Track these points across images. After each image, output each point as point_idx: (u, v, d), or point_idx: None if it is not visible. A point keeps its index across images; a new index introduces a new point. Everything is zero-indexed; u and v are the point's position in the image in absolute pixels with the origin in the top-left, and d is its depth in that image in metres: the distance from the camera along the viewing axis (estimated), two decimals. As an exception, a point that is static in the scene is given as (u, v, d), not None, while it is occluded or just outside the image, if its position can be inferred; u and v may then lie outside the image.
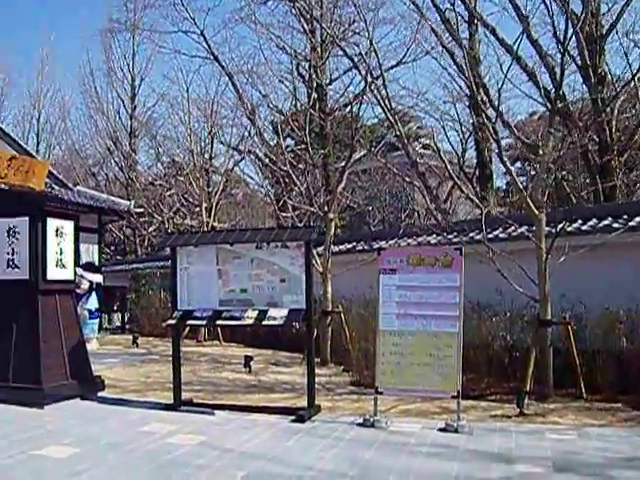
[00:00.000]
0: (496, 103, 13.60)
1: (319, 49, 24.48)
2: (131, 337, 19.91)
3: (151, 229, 35.04)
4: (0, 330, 10.26)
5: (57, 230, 10.34)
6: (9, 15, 66.82)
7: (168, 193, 29.54)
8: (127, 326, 24.30)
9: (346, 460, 7.06)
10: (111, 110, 40.29)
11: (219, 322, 9.80)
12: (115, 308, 25.00)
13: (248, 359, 13.53)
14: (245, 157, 27.06)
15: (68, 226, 10.63)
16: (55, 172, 23.02)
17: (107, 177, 41.44)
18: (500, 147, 13.05)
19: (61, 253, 10.39)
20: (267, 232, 9.76)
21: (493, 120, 13.23)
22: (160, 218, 28.34)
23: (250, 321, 9.33)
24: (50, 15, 70.17)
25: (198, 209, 25.71)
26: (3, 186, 14.23)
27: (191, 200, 27.07)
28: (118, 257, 38.77)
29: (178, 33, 28.91)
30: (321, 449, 7.56)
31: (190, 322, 10.03)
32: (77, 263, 11.12)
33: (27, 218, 10.13)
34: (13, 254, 10.20)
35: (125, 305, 25.04)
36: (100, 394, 10.77)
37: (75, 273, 11.09)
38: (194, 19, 27.79)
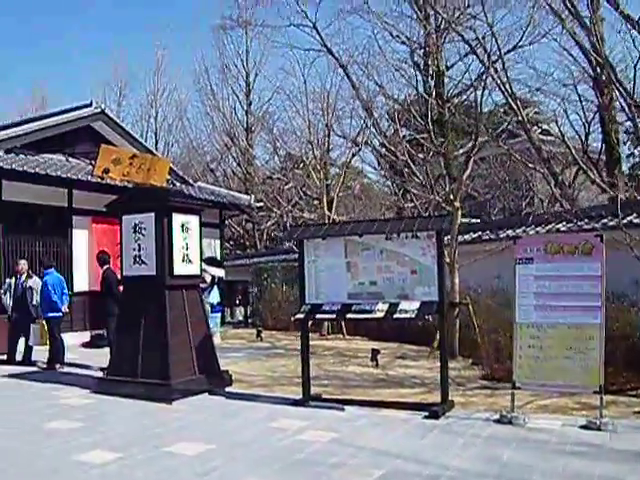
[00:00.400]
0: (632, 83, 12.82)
1: (434, 35, 23.90)
2: (254, 331, 19.97)
3: (269, 223, 35.18)
4: (128, 326, 10.33)
5: (182, 225, 10.32)
6: (124, 17, 68.70)
7: (286, 187, 29.53)
8: (250, 320, 24.41)
9: (484, 459, 6.71)
10: (227, 107, 40.75)
11: (349, 316, 9.45)
12: (237, 302, 25.16)
13: (375, 353, 13.25)
14: (362, 148, 26.71)
15: (193, 221, 10.60)
16: (175, 169, 23.28)
17: (225, 173, 41.88)
18: (638, 126, 12.29)
19: (187, 248, 10.36)
20: (396, 222, 9.41)
21: (628, 99, 12.48)
22: (278, 212, 28.29)
23: (381, 314, 9.01)
24: (163, 15, 71.57)
25: (317, 202, 25.75)
26: (126, 184, 14.40)
27: (309, 193, 27.02)
28: (238, 252, 39.10)
29: (290, 27, 29.10)
30: (458, 447, 7.22)
31: (319, 316, 9.79)
32: (201, 258, 10.99)
33: (153, 214, 10.15)
34: (140, 250, 10.24)
35: (247, 299, 25.16)
36: (227, 389, 10.69)
37: (201, 268, 11.02)
38: (305, 12, 27.90)
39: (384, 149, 24.72)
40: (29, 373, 12.57)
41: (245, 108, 40.73)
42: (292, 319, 10.26)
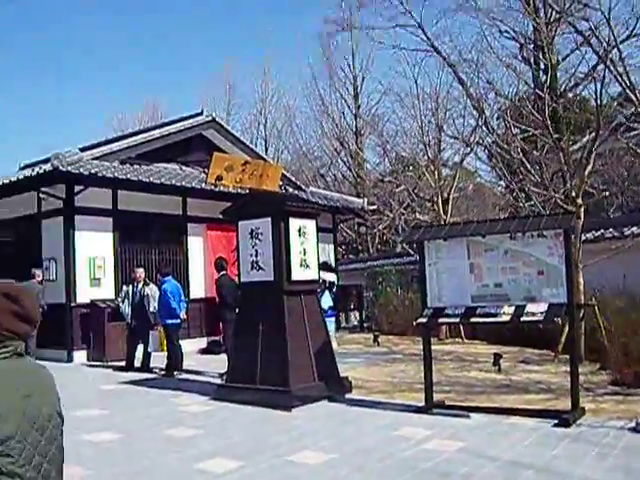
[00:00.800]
0: None
1: (545, 28, 23.15)
2: (370, 336, 19.69)
3: (382, 226, 34.84)
4: (246, 332, 10.25)
5: (299, 230, 10.18)
6: (233, 25, 69.73)
7: (398, 189, 29.11)
8: (365, 325, 24.12)
9: (623, 471, 6.31)
10: (335, 111, 40.58)
11: (473, 320, 9.09)
12: (352, 307, 24.89)
13: (497, 357, 12.79)
14: (474, 148, 26.08)
15: (310, 225, 10.46)
16: (287, 174, 23.31)
17: (335, 177, 41.80)
18: None
19: (304, 253, 10.21)
20: (521, 221, 8.96)
21: None
22: (390, 215, 27.94)
23: (507, 318, 8.64)
24: (270, 21, 72.27)
25: (429, 204, 25.38)
26: (239, 190, 14.42)
27: (422, 195, 26.59)
28: (350, 256, 38.97)
29: (396, 28, 28.78)
30: (592, 458, 6.80)
31: (442, 320, 9.46)
32: (318, 262, 10.82)
33: (269, 219, 10.05)
34: (257, 256, 10.14)
35: (362, 303, 24.88)
36: (347, 396, 10.48)
37: (319, 273, 10.85)
38: (411, 12, 27.56)
39: (497, 148, 24.12)
40: (148, 380, 12.72)
41: (354, 111, 40.54)
42: (414, 323, 9.92)
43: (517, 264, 8.79)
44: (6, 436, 2.38)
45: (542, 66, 25.56)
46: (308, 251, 10.29)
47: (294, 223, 10.10)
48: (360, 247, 40.73)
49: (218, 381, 11.83)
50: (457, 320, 9.39)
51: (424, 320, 9.29)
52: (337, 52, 40.96)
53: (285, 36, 67.80)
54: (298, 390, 9.65)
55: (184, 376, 13.10)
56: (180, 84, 67.82)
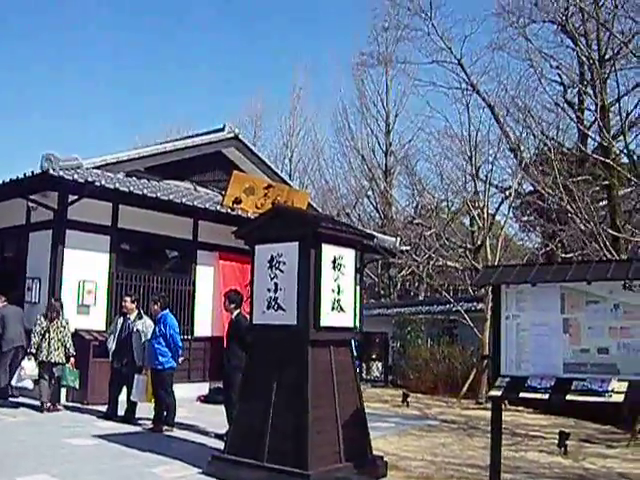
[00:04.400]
0: None
1: (597, 65, 21.24)
2: (395, 392, 17.46)
3: (406, 271, 32.95)
4: (255, 389, 7.87)
5: (334, 260, 7.69)
6: (258, 52, 68.21)
7: (427, 233, 27.03)
8: (389, 377, 21.69)
9: None
10: (365, 147, 38.58)
11: (569, 397, 6.52)
12: (374, 356, 22.41)
13: (564, 436, 10.35)
14: (510, 195, 24.02)
15: (348, 256, 7.96)
16: (314, 204, 21.11)
17: (360, 217, 39.57)
18: None
19: (339, 291, 7.69)
20: (642, 263, 6.53)
21: None
22: (419, 259, 25.90)
23: (618, 398, 6.18)
24: (297, 53, 70.84)
25: (461, 249, 24.06)
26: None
27: (453, 240, 24.85)
28: (372, 300, 36.49)
29: (433, 64, 28.02)
30: None
31: (524, 395, 6.82)
32: (355, 305, 8.37)
33: (296, 244, 7.59)
34: (276, 291, 7.69)
35: (387, 354, 22.44)
36: (382, 482, 8.01)
37: (355, 318, 8.36)
38: (450, 48, 26.66)
39: (534, 194, 22.57)
40: (129, 435, 10.31)
41: (384, 149, 38.49)
42: (486, 396, 7.49)
43: (633, 323, 6.38)
44: None
45: (588, 107, 23.88)
46: (344, 289, 7.79)
47: (328, 251, 7.61)
48: (382, 292, 38.38)
49: (215, 443, 9.48)
50: (545, 396, 6.74)
51: (498, 393, 6.84)
52: (371, 87, 39.00)
53: (317, 65, 66.32)
54: (319, 474, 7.14)
55: (176, 433, 10.67)
56: (205, 115, 66.02)
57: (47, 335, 11.96)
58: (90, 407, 12.58)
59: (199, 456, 8.71)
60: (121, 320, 11.87)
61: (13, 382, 12.02)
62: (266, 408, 7.58)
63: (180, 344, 11.10)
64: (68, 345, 12.15)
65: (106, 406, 11.76)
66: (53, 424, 10.96)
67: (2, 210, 15.26)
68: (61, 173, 12.71)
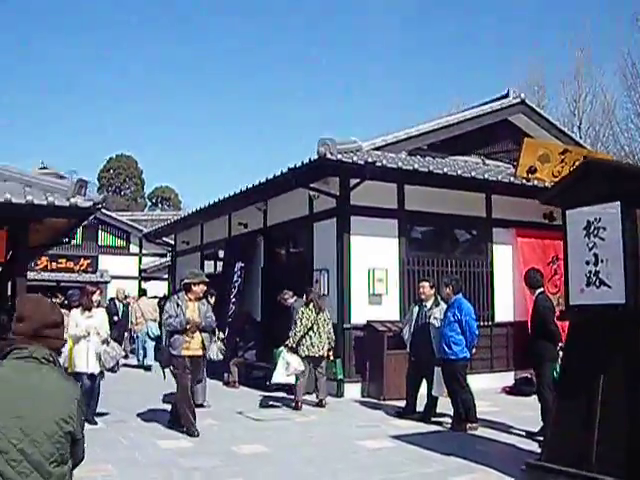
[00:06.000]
0: None
1: None
2: None
3: None
4: (576, 386, 6.47)
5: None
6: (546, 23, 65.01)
7: None
8: None
9: None
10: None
11: None
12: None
13: None
14: None
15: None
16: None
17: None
18: None
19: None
20: None
21: None
22: None
23: None
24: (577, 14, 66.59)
25: None
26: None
27: None
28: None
29: None
30: None
31: None
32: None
33: (617, 204, 6.09)
34: (597, 264, 6.23)
35: None
36: None
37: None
38: None
39: None
40: (430, 434, 9.32)
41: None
42: None
43: None
44: None
45: None
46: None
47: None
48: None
49: (527, 445, 8.26)
50: None
51: None
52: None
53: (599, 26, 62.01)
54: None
55: (479, 431, 9.49)
56: (484, 90, 64.12)
57: (315, 328, 11.44)
58: (386, 402, 11.80)
59: (509, 461, 7.54)
60: (417, 308, 10.86)
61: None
62: (591, 407, 6.18)
63: (476, 331, 9.89)
64: (333, 338, 11.73)
65: (403, 402, 10.85)
66: (345, 423, 10.25)
67: (285, 202, 15.08)
68: (339, 156, 12.04)
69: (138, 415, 10.62)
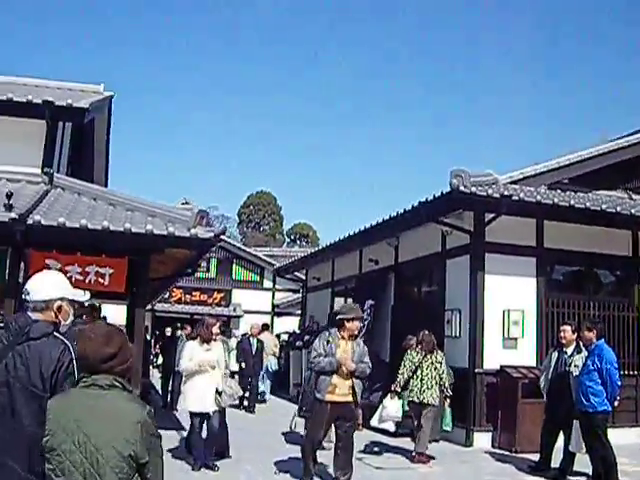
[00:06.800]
0: None
1: None
2: None
3: None
4: None
5: None
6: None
7: None
8: None
9: None
10: None
11: None
12: None
13: None
14: None
15: None
16: None
17: None
18: None
19: None
20: None
21: None
22: None
23: None
24: None
25: None
26: None
27: None
28: None
29: None
30: None
31: None
32: None
33: None
34: None
35: None
36: None
37: None
38: None
39: None
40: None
41: None
42: None
43: None
44: (51, 447, 2.98)
45: None
46: None
47: None
48: None
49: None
50: None
51: None
52: None
53: None
54: None
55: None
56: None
57: (419, 372, 10.56)
58: (518, 455, 10.90)
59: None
60: (556, 354, 9.95)
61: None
62: None
63: (618, 382, 8.89)
64: (445, 384, 10.65)
65: (537, 455, 9.94)
66: (472, 476, 9.50)
67: (417, 238, 14.54)
68: (473, 189, 11.37)
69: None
